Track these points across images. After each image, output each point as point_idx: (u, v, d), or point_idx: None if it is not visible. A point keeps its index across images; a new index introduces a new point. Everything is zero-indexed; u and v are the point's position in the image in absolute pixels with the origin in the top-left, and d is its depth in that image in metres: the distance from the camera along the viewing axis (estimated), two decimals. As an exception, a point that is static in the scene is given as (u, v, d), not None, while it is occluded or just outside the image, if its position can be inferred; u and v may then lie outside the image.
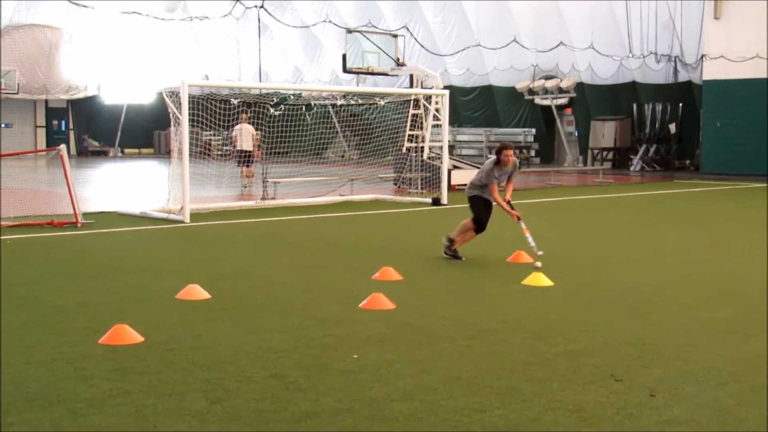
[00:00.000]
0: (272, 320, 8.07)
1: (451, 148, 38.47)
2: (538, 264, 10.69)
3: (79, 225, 15.27)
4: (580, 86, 38.83)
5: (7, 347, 7.02)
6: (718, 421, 5.36)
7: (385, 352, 6.93)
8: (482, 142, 41.14)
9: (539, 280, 9.98)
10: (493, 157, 11.57)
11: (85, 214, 15.94)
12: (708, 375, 6.39)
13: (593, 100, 38.96)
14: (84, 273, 10.79)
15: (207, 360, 6.65)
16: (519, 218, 11.49)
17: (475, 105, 43.49)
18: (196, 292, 9.07)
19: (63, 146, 15.98)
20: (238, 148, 24.25)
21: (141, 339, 7.18)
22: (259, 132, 23.27)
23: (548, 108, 39.80)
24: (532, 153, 40.95)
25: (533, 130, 40.84)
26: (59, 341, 7.22)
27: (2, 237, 13.77)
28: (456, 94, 41.87)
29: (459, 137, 41.90)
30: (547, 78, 39.23)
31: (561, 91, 38.82)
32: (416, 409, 5.54)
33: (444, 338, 7.43)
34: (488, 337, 7.49)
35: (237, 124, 23.22)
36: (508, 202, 11.56)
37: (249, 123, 23.99)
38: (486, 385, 6.07)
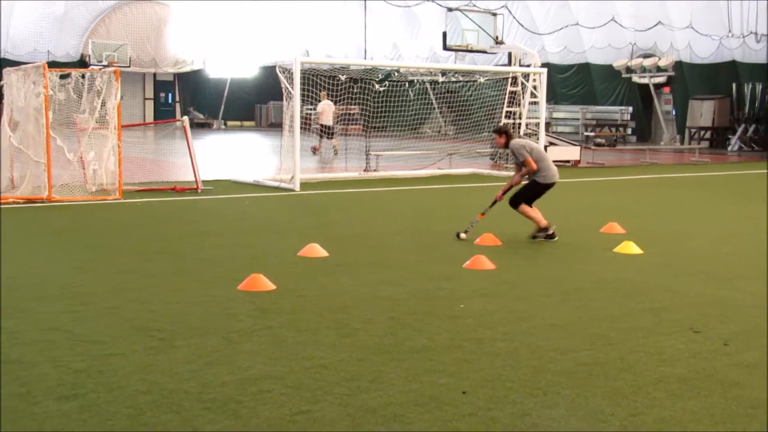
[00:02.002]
0: (386, 275, 9.06)
1: (548, 125, 38.92)
2: (463, 235, 11.40)
3: (199, 191, 16.55)
4: (678, 65, 38.80)
5: (156, 290, 8.19)
6: (784, 367, 6.10)
7: (488, 304, 7.84)
8: (578, 119, 41.44)
9: (630, 248, 10.73)
10: None
11: (204, 181, 17.19)
12: (780, 331, 7.11)
13: (692, 78, 38.86)
14: (212, 232, 11.98)
15: (333, 305, 7.67)
16: (495, 203, 11.87)
17: (572, 82, 43.77)
18: (316, 250, 10.11)
19: (186, 118, 17.29)
20: (322, 122, 26.22)
21: (273, 287, 8.23)
22: (360, 106, 24.41)
23: (646, 86, 39.90)
24: (629, 131, 41.09)
25: (630, 108, 40.98)
26: (203, 287, 8.34)
27: (130, 201, 15.11)
28: (553, 71, 42.14)
29: (555, 114, 42.29)
30: (645, 56, 39.30)
31: (659, 69, 38.87)
32: (516, 347, 6.44)
33: (540, 294, 8.30)
34: (581, 294, 8.34)
35: (320, 101, 25.11)
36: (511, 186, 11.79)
37: (331, 99, 25.54)
38: (578, 331, 6.93)
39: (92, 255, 10.10)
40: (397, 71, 23.49)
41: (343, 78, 21.18)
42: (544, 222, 11.55)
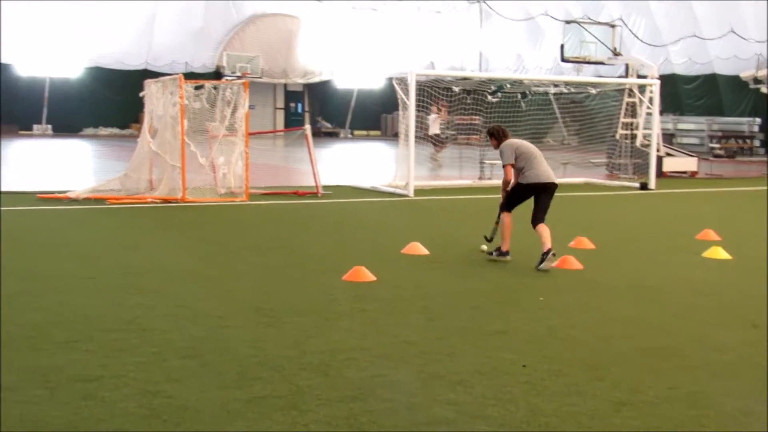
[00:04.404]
0: (478, 271, 9.92)
1: (672, 136, 38.79)
2: (484, 247, 10.85)
3: (319, 195, 17.69)
4: (808, 76, 38.03)
5: (270, 278, 9.27)
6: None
7: (566, 297, 8.60)
8: (704, 131, 41.02)
9: (718, 253, 11.23)
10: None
11: (324, 186, 18.33)
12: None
13: (823, 90, 38.03)
14: (326, 231, 13.09)
15: (425, 294, 8.56)
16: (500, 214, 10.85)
17: (698, 93, 43.35)
18: (418, 248, 11.03)
19: (308, 127, 18.54)
20: (430, 133, 27.07)
21: (374, 278, 9.18)
22: (478, 117, 25.20)
23: (775, 98, 39.23)
24: (757, 143, 40.45)
25: (758, 120, 40.32)
26: (312, 276, 9.38)
27: (255, 203, 16.37)
28: (678, 82, 42.01)
29: (680, 125, 41.95)
30: (774, 67, 38.67)
31: (788, 80, 38.19)
32: (581, 334, 7.18)
33: (618, 292, 8.99)
34: (656, 293, 8.98)
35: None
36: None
37: (441, 109, 26.28)
38: (642, 323, 7.61)
39: (217, 249, 11.29)
40: (510, 83, 24.17)
41: (456, 89, 22.05)
42: (507, 245, 10.59)
